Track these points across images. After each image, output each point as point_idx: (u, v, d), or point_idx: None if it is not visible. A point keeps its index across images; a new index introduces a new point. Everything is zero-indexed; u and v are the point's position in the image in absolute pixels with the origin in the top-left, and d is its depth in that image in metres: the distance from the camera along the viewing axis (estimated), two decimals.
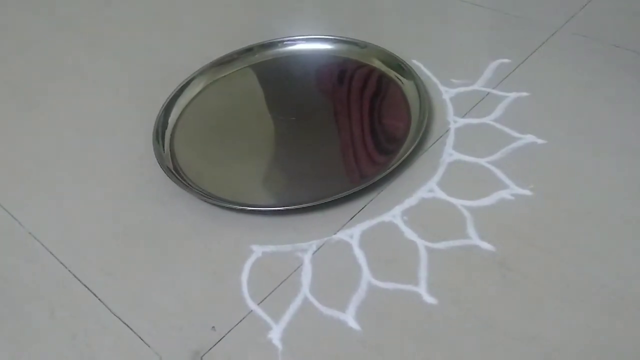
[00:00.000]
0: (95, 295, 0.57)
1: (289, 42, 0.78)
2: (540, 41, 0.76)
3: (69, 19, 0.95)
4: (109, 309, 0.55)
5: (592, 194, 0.58)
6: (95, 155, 0.71)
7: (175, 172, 0.65)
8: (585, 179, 0.60)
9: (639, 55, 0.72)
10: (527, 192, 0.59)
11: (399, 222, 0.59)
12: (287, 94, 0.74)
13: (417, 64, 0.76)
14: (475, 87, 0.72)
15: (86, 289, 0.57)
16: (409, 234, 0.57)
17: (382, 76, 0.74)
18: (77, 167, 0.70)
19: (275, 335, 0.52)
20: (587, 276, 0.52)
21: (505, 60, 0.74)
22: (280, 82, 0.76)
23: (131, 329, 0.54)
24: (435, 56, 0.77)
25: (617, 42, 0.74)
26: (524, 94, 0.69)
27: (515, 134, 0.65)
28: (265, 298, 0.54)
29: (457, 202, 0.59)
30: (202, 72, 0.75)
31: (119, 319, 0.55)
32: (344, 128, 0.69)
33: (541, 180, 0.60)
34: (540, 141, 0.64)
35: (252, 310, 0.54)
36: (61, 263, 0.60)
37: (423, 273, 0.54)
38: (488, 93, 0.70)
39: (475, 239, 0.56)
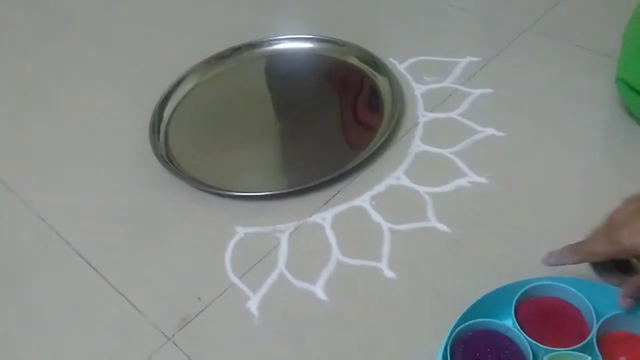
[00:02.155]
0: (96, 270, 0.64)
1: (274, 42, 0.84)
2: (508, 41, 0.82)
3: (70, 20, 1.02)
4: (108, 282, 0.62)
5: (542, 184, 0.64)
6: (97, 145, 0.78)
7: (169, 160, 0.72)
8: (537, 170, 0.66)
9: (596, 54, 0.78)
10: (483, 180, 0.65)
11: (367, 206, 0.65)
12: (273, 90, 0.81)
13: (394, 62, 0.82)
14: (445, 84, 0.78)
15: (88, 264, 0.64)
16: (376, 216, 0.64)
17: (358, 72, 0.80)
18: (80, 156, 0.77)
19: (252, 304, 0.58)
20: (534, 258, 0.57)
21: (474, 59, 0.80)
22: (266, 79, 0.82)
23: (127, 299, 0.61)
24: (410, 54, 0.83)
25: (578, 42, 0.80)
26: (488, 90, 0.76)
27: (477, 127, 0.71)
28: (245, 273, 0.61)
29: (420, 188, 0.66)
30: (194, 70, 0.82)
31: (117, 290, 0.62)
32: (323, 121, 0.76)
33: (497, 169, 0.66)
34: (499, 134, 0.70)
35: (233, 283, 0.60)
36: (66, 241, 0.67)
37: (386, 251, 0.61)
38: (456, 89, 0.77)
39: (433, 221, 0.62)
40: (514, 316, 0.49)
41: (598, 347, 0.46)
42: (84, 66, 0.91)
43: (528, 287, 0.51)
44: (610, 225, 0.46)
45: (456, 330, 0.49)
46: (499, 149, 0.69)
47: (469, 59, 0.81)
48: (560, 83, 0.75)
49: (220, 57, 0.83)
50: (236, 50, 0.84)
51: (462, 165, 0.67)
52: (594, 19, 0.84)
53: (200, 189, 0.69)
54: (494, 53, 0.81)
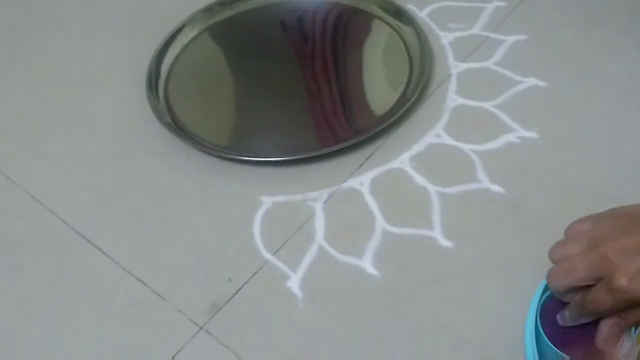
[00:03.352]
0: (103, 252, 0.55)
1: None
2: None
3: None
4: (119, 266, 0.54)
5: (596, 133, 0.59)
6: (85, 110, 0.68)
7: (175, 124, 0.64)
8: (589, 119, 0.60)
9: None
10: (533, 134, 0.60)
11: (408, 168, 0.59)
12: (284, 41, 0.72)
13: (413, 9, 0.74)
14: (474, 31, 0.71)
15: (93, 246, 0.56)
16: (419, 179, 0.57)
17: (380, 22, 0.72)
18: (67, 122, 0.67)
19: (293, 283, 0.52)
20: None
21: (501, 4, 0.73)
22: (275, 28, 0.73)
23: (145, 284, 0.53)
24: (431, 0, 0.75)
25: None
26: (523, 36, 0.69)
27: (517, 77, 0.65)
28: (280, 248, 0.54)
29: (465, 146, 0.60)
30: (193, 19, 0.72)
31: (131, 274, 0.54)
32: (346, 75, 0.68)
33: (546, 122, 0.60)
34: (542, 84, 0.64)
35: (267, 261, 0.53)
36: (63, 221, 0.58)
37: (437, 217, 0.54)
38: (487, 37, 0.70)
39: (485, 183, 0.56)
40: None
41: None
42: (62, 20, 0.80)
43: None
44: (603, 268, 0.38)
45: (543, 298, 0.44)
46: (545, 100, 0.63)
47: (495, 3, 0.74)
48: (597, 25, 0.69)
49: (223, 4, 0.74)
50: None
51: (507, 119, 0.61)
52: None
53: (213, 155, 0.61)
54: None
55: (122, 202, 0.59)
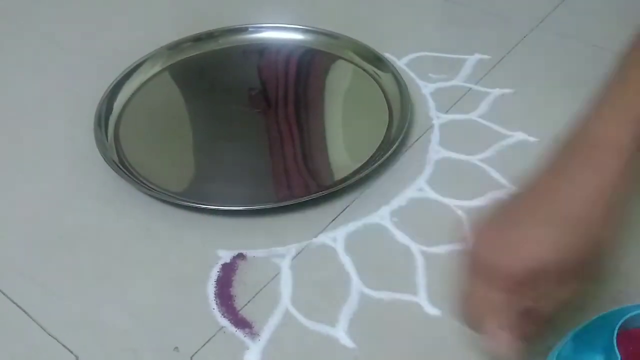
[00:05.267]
0: (25, 312, 0.46)
1: (254, 29, 0.70)
2: (518, 39, 0.72)
3: None
4: (42, 328, 0.45)
5: None
6: (25, 148, 0.60)
7: (122, 165, 0.56)
8: None
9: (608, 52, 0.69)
10: None
11: (387, 223, 0.52)
12: (252, 84, 0.66)
13: (392, 58, 0.70)
14: (456, 82, 0.67)
15: (13, 304, 0.47)
16: (401, 236, 0.51)
17: (357, 69, 0.67)
18: (2, 160, 0.59)
19: (253, 356, 0.43)
20: (608, 284, 0.47)
21: (485, 57, 0.70)
22: (242, 70, 0.68)
23: (72, 352, 0.44)
24: (409, 50, 0.71)
25: (593, 41, 0.71)
26: (508, 90, 0.65)
27: (505, 131, 0.60)
28: (238, 311, 0.46)
29: (451, 202, 0.54)
30: (155, 55, 0.66)
31: (56, 340, 0.44)
32: (319, 122, 0.62)
33: None
34: (531, 139, 0.59)
35: (223, 327, 0.45)
36: None
37: (421, 280, 0.47)
38: (470, 89, 0.66)
39: None
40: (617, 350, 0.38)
41: None
42: (6, 53, 0.73)
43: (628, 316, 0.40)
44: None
45: None
46: (535, 156, 0.57)
47: (477, 56, 0.70)
48: (582, 84, 0.66)
49: (187, 42, 0.68)
50: (208, 36, 0.69)
51: (496, 175, 0.56)
52: (601, 18, 0.76)
53: (164, 201, 0.54)
54: (505, 51, 0.71)
55: (55, 253, 0.51)
